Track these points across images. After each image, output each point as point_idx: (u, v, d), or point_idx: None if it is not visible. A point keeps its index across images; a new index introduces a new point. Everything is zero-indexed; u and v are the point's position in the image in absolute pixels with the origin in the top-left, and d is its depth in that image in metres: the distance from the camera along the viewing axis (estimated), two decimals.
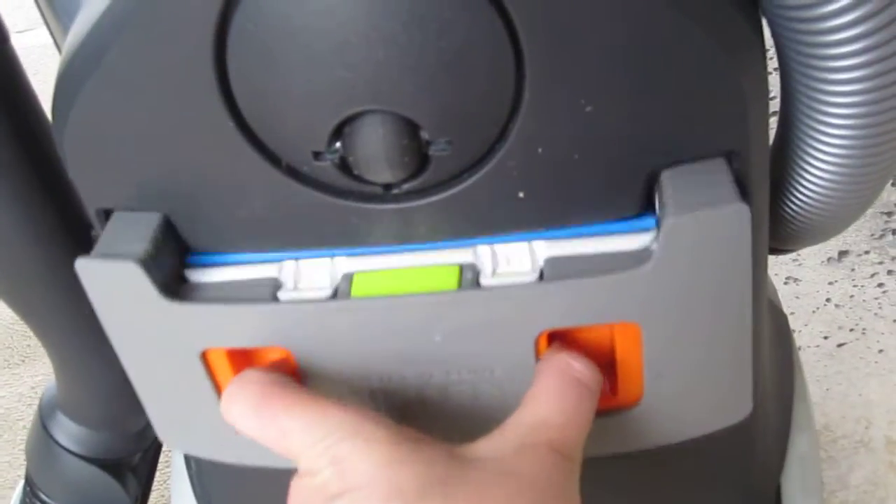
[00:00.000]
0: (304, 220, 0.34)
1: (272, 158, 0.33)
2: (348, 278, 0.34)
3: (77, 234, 0.43)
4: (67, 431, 0.54)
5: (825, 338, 1.06)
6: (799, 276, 1.15)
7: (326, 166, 0.32)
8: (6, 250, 0.42)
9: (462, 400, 0.36)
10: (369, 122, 0.30)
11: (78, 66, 0.32)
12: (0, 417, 1.19)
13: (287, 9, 0.29)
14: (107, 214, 0.37)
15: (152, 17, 0.30)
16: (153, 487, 0.62)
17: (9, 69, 0.39)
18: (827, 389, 1.00)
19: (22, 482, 0.62)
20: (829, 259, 1.16)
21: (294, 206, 0.34)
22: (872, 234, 1.18)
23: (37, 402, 1.20)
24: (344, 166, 0.32)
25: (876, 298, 1.08)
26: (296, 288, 0.35)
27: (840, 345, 1.03)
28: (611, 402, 0.36)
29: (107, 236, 0.35)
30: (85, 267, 0.34)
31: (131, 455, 0.56)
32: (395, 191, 0.33)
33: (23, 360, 1.29)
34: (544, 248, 0.34)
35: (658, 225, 0.33)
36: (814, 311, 1.09)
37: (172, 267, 0.35)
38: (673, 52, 0.30)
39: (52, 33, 0.45)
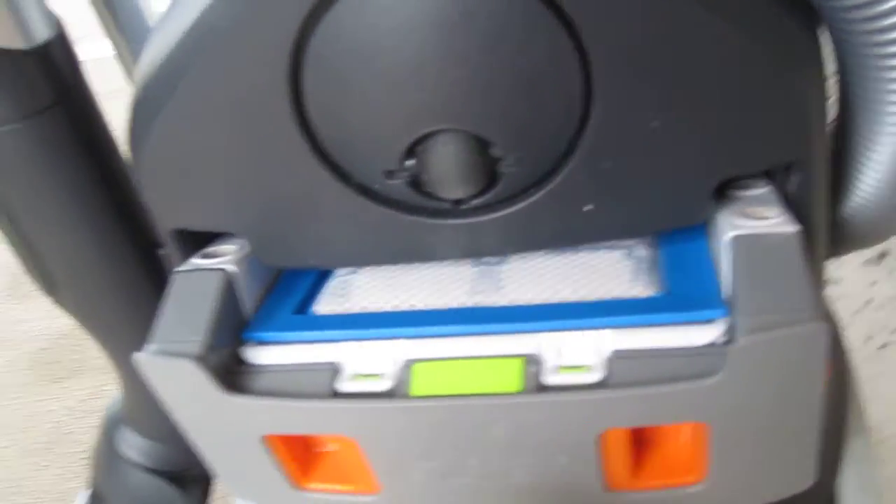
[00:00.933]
0: (372, 236, 0.35)
1: (344, 177, 0.33)
2: (408, 368, 0.34)
3: (145, 251, 0.44)
4: (132, 444, 0.56)
5: (868, 339, 1.06)
6: (839, 278, 1.14)
7: (398, 184, 0.33)
8: (77, 267, 0.43)
9: (524, 482, 0.35)
10: (442, 140, 0.31)
11: (154, 92, 0.33)
12: (51, 430, 1.21)
13: (363, 33, 0.29)
14: (179, 234, 0.38)
15: (229, 42, 0.31)
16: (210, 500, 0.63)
17: (81, 97, 0.40)
18: (871, 391, 0.99)
19: (86, 492, 0.63)
20: (868, 260, 1.15)
21: (363, 223, 0.35)
22: None
23: (86, 414, 1.22)
24: (415, 184, 0.33)
25: None
26: (355, 376, 0.34)
27: (882, 346, 1.02)
28: (673, 480, 0.36)
29: (165, 318, 0.35)
30: (144, 362, 0.34)
31: (193, 467, 0.57)
32: (464, 206, 0.34)
33: (71, 374, 1.31)
34: (610, 339, 0.33)
35: (728, 313, 0.32)
36: (855, 313, 1.09)
37: (230, 348, 0.36)
38: (736, 67, 0.30)
39: (116, 47, 0.47)
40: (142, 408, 0.53)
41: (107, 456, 0.57)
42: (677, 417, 0.32)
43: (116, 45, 0.43)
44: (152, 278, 0.45)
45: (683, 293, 0.34)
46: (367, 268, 0.39)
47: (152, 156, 0.35)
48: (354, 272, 0.39)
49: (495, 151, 0.32)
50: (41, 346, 1.39)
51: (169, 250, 0.39)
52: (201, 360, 0.33)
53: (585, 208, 0.34)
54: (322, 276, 0.40)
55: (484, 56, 0.29)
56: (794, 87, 0.31)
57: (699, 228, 0.38)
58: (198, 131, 0.33)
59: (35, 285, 0.45)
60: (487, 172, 0.32)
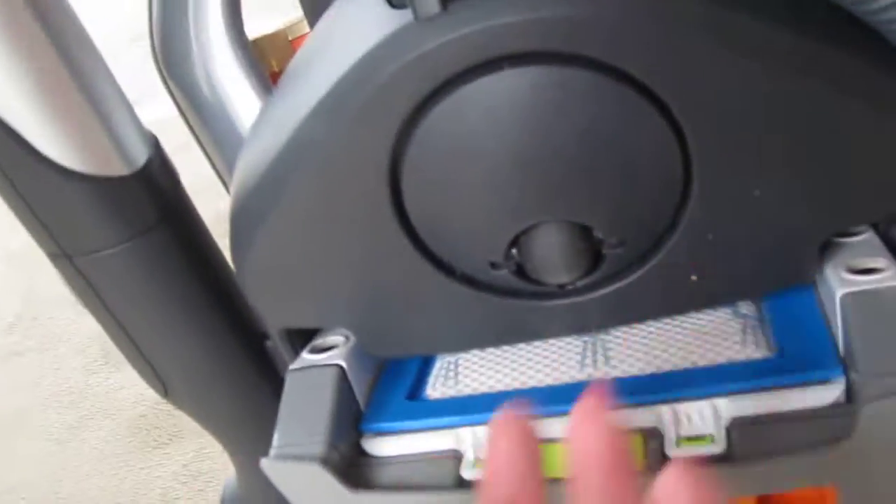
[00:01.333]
0: (478, 321, 0.36)
1: (447, 270, 0.34)
2: None
3: (253, 345, 0.45)
4: None
5: None
6: None
7: (503, 274, 0.33)
8: (189, 370, 0.45)
9: None
10: (544, 230, 0.32)
11: (256, 203, 0.35)
12: (159, 497, 1.24)
13: (460, 135, 0.30)
14: (289, 331, 0.39)
15: (328, 154, 0.32)
16: None
17: (183, 212, 0.42)
18: None
19: None
20: None
21: (468, 310, 0.35)
22: None
23: (191, 479, 1.25)
24: (520, 272, 0.33)
25: None
26: (476, 460, 0.35)
27: None
28: None
29: (286, 420, 0.36)
30: (269, 467, 0.35)
31: None
32: (569, 287, 0.34)
33: (171, 439, 1.34)
34: (728, 407, 0.32)
35: (845, 373, 0.31)
36: None
37: (350, 442, 0.36)
38: (838, 131, 0.30)
39: (203, 148, 0.48)
40: (257, 495, 0.54)
41: None
42: (805, 482, 0.31)
43: (207, 150, 0.45)
44: (261, 370, 0.46)
45: (797, 353, 0.33)
46: (473, 354, 0.39)
47: (257, 262, 0.36)
48: (461, 353, 0.40)
49: (598, 234, 0.32)
50: (140, 413, 1.42)
51: (276, 343, 0.40)
52: (325, 461, 0.34)
53: (691, 279, 0.33)
54: (428, 360, 0.41)
55: (581, 147, 0.29)
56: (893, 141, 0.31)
57: (808, 291, 0.37)
58: (301, 237, 0.34)
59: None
60: (591, 256, 0.32)
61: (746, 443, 0.31)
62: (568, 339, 0.38)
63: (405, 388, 0.39)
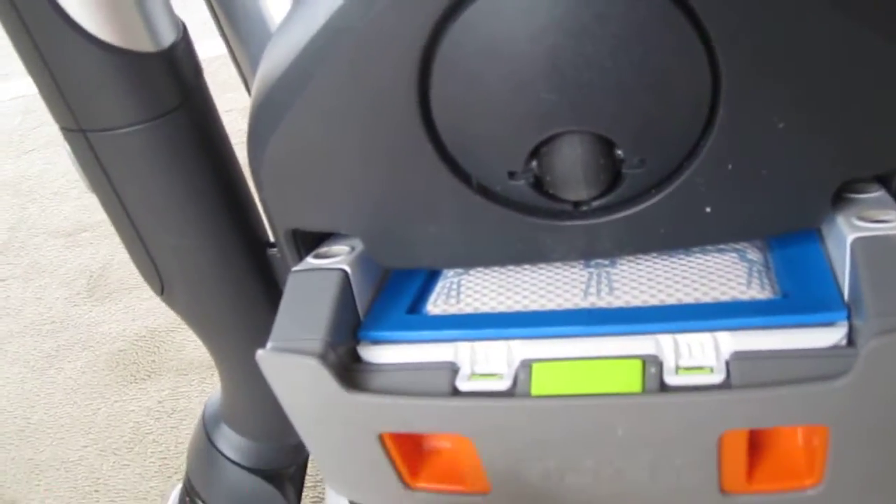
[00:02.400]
0: (489, 237, 0.36)
1: (464, 177, 0.34)
2: (527, 368, 0.34)
3: (255, 251, 0.45)
4: (231, 442, 0.57)
5: None
6: None
7: (519, 185, 0.33)
8: (189, 267, 0.44)
9: (639, 482, 0.35)
10: (568, 142, 0.32)
11: (280, 94, 0.34)
12: (130, 431, 1.23)
13: (494, 35, 0.30)
14: (294, 234, 0.39)
15: (360, 43, 0.31)
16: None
17: (202, 100, 0.42)
18: None
19: (179, 487, 0.64)
20: None
21: (481, 224, 0.35)
22: None
23: (164, 415, 1.25)
24: (537, 185, 0.33)
25: None
26: (473, 374, 0.35)
27: None
28: (789, 483, 0.35)
29: (285, 317, 0.36)
30: (265, 359, 0.35)
31: (290, 466, 0.58)
32: (584, 207, 0.34)
33: (149, 375, 1.34)
34: (729, 341, 0.33)
35: (850, 316, 0.32)
36: None
37: (348, 347, 0.36)
38: (866, 67, 0.30)
39: (229, 47, 0.48)
40: (242, 407, 0.55)
41: (204, 452, 0.58)
42: (800, 419, 0.31)
43: (233, 48, 0.44)
44: (262, 278, 0.46)
45: (802, 296, 0.34)
46: (476, 272, 0.39)
47: (275, 156, 0.35)
48: (464, 274, 0.40)
49: (619, 153, 0.32)
50: (119, 348, 1.42)
51: (280, 251, 0.40)
52: (322, 357, 0.34)
53: (706, 210, 0.33)
54: (431, 278, 0.41)
55: (614, 57, 0.29)
56: None
57: (811, 232, 0.37)
58: (323, 132, 0.34)
59: (147, 284, 0.46)
60: (610, 174, 0.32)
61: (745, 376, 0.31)
62: (574, 268, 0.38)
63: (406, 303, 0.39)
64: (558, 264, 0.38)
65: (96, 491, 1.16)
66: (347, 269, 0.37)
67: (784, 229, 0.35)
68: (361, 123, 0.33)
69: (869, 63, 0.30)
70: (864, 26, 0.30)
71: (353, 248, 0.39)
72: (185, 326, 0.49)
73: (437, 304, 0.38)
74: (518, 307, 0.37)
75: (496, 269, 0.39)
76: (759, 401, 0.31)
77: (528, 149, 0.32)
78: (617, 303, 0.36)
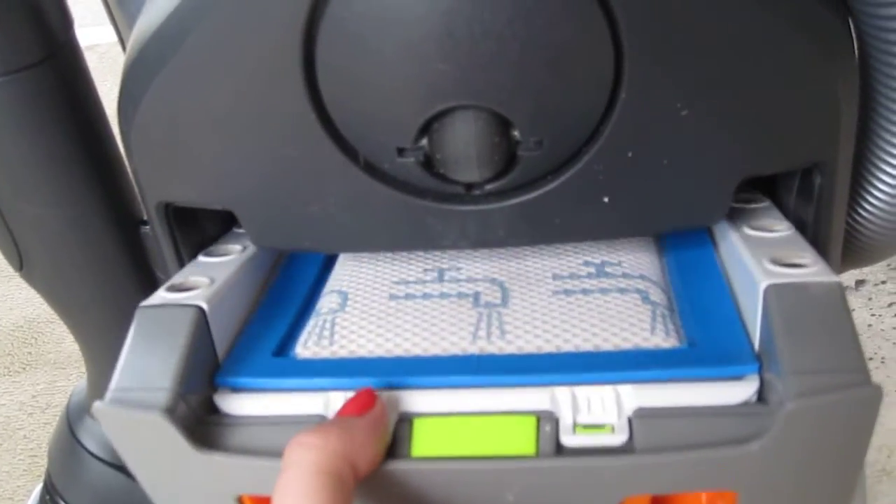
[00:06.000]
0: (377, 219, 0.33)
1: (351, 154, 0.32)
2: (407, 423, 0.30)
3: (126, 229, 0.42)
4: (96, 436, 0.53)
5: None
6: None
7: (408, 163, 0.31)
8: (51, 241, 0.41)
9: None
10: (461, 117, 0.30)
11: (154, 51, 0.31)
12: (0, 426, 1.17)
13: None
14: (167, 208, 0.36)
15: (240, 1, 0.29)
16: None
17: (71, 57, 0.38)
18: None
19: (39, 487, 0.60)
20: (846, 288, 1.16)
21: (368, 204, 0.33)
22: (889, 265, 1.17)
23: (37, 410, 1.18)
24: (428, 164, 0.31)
25: (894, 328, 1.08)
26: None
27: None
28: None
29: (128, 361, 0.31)
30: (103, 413, 0.30)
31: None
32: (477, 191, 0.32)
33: (24, 368, 1.27)
34: (631, 395, 0.29)
35: (760, 369, 0.29)
36: None
37: (202, 396, 0.32)
38: (771, 56, 0.29)
39: (114, 23, 0.44)
40: None
41: (66, 446, 0.54)
42: (709, 485, 0.28)
43: (110, 6, 0.41)
44: (132, 258, 0.42)
45: (709, 345, 0.31)
46: (354, 306, 0.35)
47: (146, 119, 0.32)
48: (339, 311, 0.35)
49: (515, 133, 0.30)
50: None
51: (152, 228, 0.37)
52: (169, 411, 0.29)
53: (604, 199, 0.32)
54: (302, 313, 0.37)
55: (513, 28, 0.28)
56: (827, 80, 0.30)
57: (716, 270, 0.35)
58: (198, 95, 0.31)
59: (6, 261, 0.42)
60: (505, 155, 0.31)
61: (649, 437, 0.28)
62: (462, 307, 0.35)
63: (273, 344, 0.35)
64: (444, 301, 0.35)
65: None
66: (204, 305, 0.32)
67: (683, 225, 0.34)
68: (240, 86, 0.31)
69: (777, 53, 0.29)
70: (773, 14, 0.28)
71: (212, 281, 0.34)
72: None
73: (307, 346, 0.34)
74: (399, 351, 0.33)
75: (376, 306, 0.35)
76: (664, 466, 0.28)
77: (418, 123, 0.30)
78: (509, 348, 0.32)
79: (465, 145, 0.30)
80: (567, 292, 0.35)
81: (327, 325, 0.35)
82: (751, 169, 0.32)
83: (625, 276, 0.35)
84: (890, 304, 1.13)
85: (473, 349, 0.32)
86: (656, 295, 0.34)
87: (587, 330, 0.32)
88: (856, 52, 0.32)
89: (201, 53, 0.30)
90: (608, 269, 0.36)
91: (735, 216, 0.35)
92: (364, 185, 0.32)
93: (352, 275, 0.38)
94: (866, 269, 1.19)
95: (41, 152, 0.37)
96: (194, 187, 0.34)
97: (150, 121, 0.32)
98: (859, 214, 0.38)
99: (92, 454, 0.53)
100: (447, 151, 0.30)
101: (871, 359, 1.05)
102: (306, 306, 0.37)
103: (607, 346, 0.32)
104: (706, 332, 0.32)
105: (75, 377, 1.24)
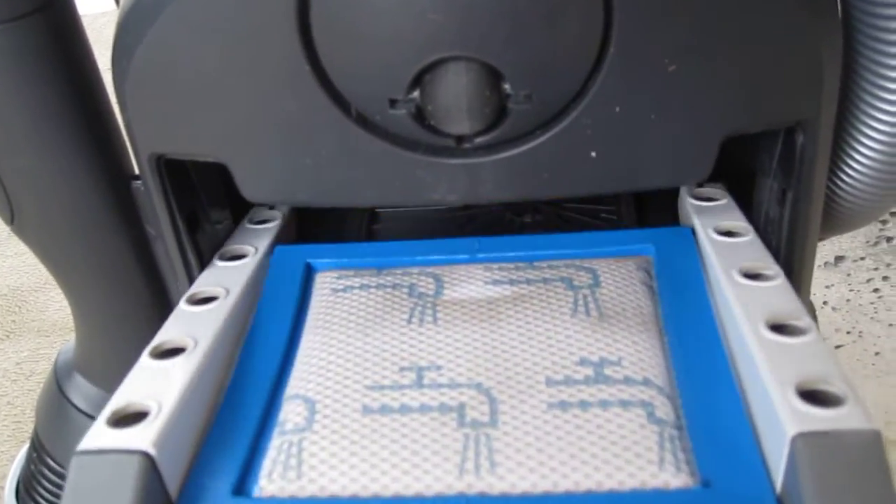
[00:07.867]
0: (367, 172, 0.34)
1: (343, 105, 0.32)
2: None
3: (118, 183, 0.42)
4: (84, 393, 0.53)
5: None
6: None
7: (400, 115, 0.32)
8: (43, 194, 0.41)
9: None
10: (453, 69, 0.30)
11: (147, 2, 0.32)
12: None
13: None
14: (159, 160, 0.36)
15: None
16: None
17: (64, 9, 0.38)
18: None
19: (26, 447, 0.60)
20: (825, 264, 1.17)
21: (359, 157, 0.33)
22: (867, 241, 1.19)
23: (21, 377, 1.18)
24: (418, 116, 0.32)
25: (872, 303, 1.09)
26: None
27: (837, 347, 1.04)
28: None
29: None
30: None
31: None
32: (467, 144, 0.33)
33: (7, 336, 1.27)
34: None
35: None
36: None
37: None
38: (757, 12, 0.30)
39: None
40: (98, 353, 0.51)
41: (54, 403, 0.54)
42: None
43: None
44: (123, 213, 0.43)
45: (726, 486, 0.27)
46: (324, 423, 0.31)
47: (140, 69, 0.33)
48: (306, 430, 0.31)
49: (506, 87, 0.31)
50: None
51: (144, 182, 0.37)
52: None
53: (591, 154, 0.33)
54: (264, 424, 0.32)
55: None
56: (811, 39, 0.31)
57: (726, 372, 0.32)
58: (193, 45, 0.32)
59: None
60: (496, 108, 0.31)
61: None
62: (446, 427, 0.30)
63: (231, 477, 0.29)
64: (424, 418, 0.31)
65: None
66: (152, 451, 0.27)
67: (669, 182, 0.34)
68: (235, 37, 0.31)
69: (763, 9, 0.30)
70: None
71: (160, 407, 0.29)
72: (49, 286, 0.45)
73: (272, 479, 0.29)
74: (375, 487, 0.29)
75: (348, 423, 0.31)
76: None
77: (410, 74, 0.30)
78: (500, 486, 0.28)
79: (456, 97, 0.30)
80: (563, 405, 0.31)
81: (294, 451, 0.30)
82: (736, 126, 0.32)
83: (626, 380, 0.31)
84: (868, 280, 1.14)
85: (460, 485, 0.28)
86: (662, 409, 0.30)
87: (587, 462, 0.29)
88: (839, 10, 0.32)
89: (196, 3, 0.31)
90: (607, 372, 0.32)
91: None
92: (356, 137, 0.33)
93: (319, 372, 0.33)
94: (846, 246, 1.20)
95: (33, 102, 0.38)
96: (187, 140, 0.34)
97: (144, 72, 0.33)
98: (840, 178, 0.38)
99: (80, 410, 0.53)
100: (438, 103, 0.31)
101: (849, 332, 1.07)
102: (268, 415, 0.32)
103: (610, 484, 0.28)
104: (721, 465, 0.28)
105: (59, 344, 1.24)
